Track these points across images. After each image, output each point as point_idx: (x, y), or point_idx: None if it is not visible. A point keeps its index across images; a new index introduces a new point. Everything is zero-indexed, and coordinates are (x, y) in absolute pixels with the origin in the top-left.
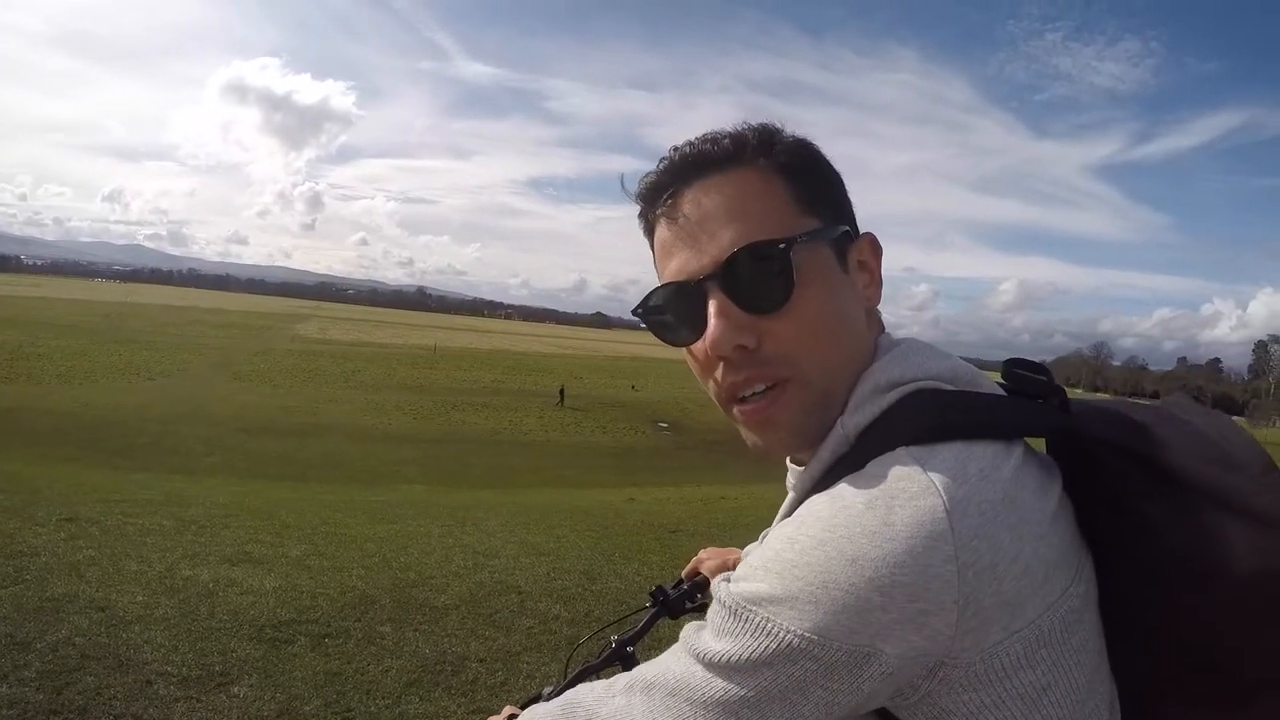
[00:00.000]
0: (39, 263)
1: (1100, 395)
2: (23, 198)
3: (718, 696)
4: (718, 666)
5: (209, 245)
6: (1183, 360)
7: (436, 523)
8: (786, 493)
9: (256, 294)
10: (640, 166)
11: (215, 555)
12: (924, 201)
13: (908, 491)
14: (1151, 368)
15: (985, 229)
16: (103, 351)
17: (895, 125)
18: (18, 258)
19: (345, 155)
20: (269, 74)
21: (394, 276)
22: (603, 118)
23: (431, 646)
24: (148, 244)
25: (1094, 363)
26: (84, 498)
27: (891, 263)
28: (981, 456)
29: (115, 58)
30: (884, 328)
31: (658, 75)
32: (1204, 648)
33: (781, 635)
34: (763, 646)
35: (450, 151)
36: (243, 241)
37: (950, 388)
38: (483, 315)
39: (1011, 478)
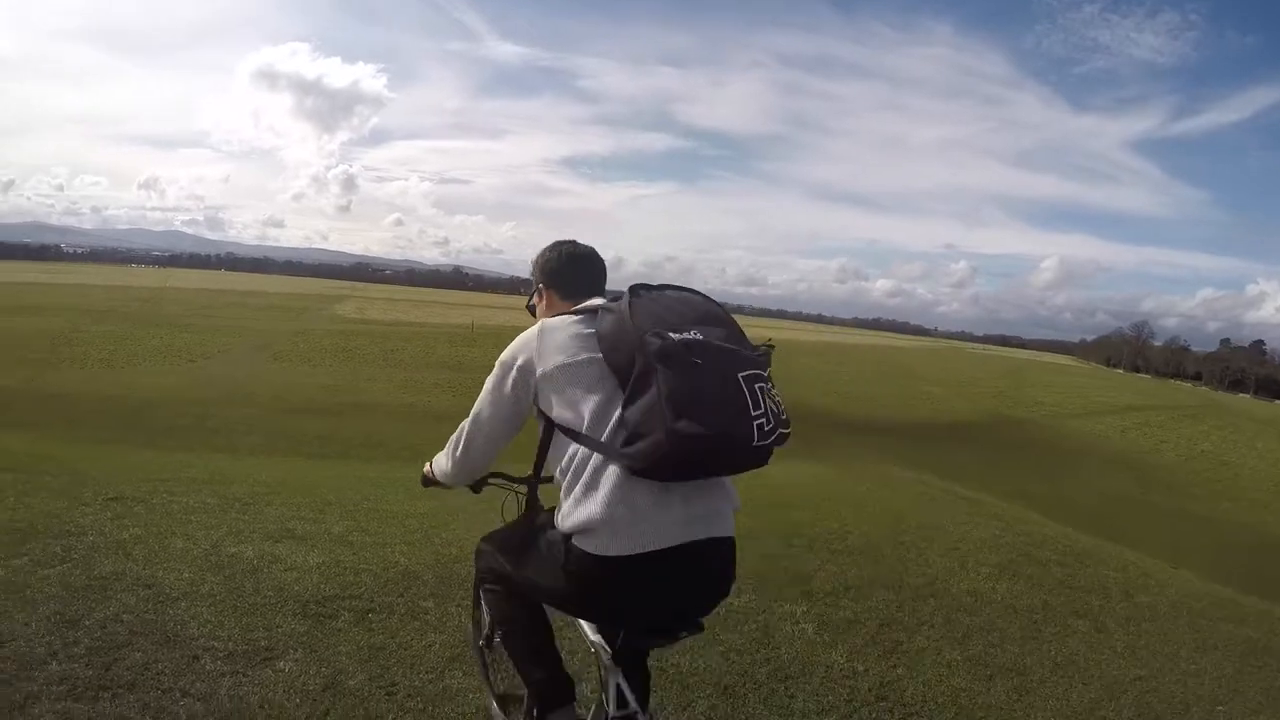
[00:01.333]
0: (78, 251)
1: (1141, 376)
2: (60, 188)
3: (489, 388)
4: (490, 380)
5: (246, 229)
6: (1225, 342)
7: (477, 500)
8: (816, 470)
9: (294, 275)
10: (674, 144)
11: (259, 532)
12: (961, 177)
13: (533, 326)
14: (1194, 349)
15: (1024, 205)
16: (144, 335)
17: (930, 99)
18: (58, 246)
19: (378, 138)
20: (299, 59)
21: (430, 256)
22: (635, 95)
23: None
24: (185, 229)
25: (1135, 342)
26: (129, 477)
27: (929, 239)
28: (562, 319)
29: (144, 49)
30: (598, 295)
31: (688, 51)
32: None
33: (500, 364)
34: (497, 369)
35: (483, 132)
36: (279, 225)
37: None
38: (519, 293)
39: (568, 326)
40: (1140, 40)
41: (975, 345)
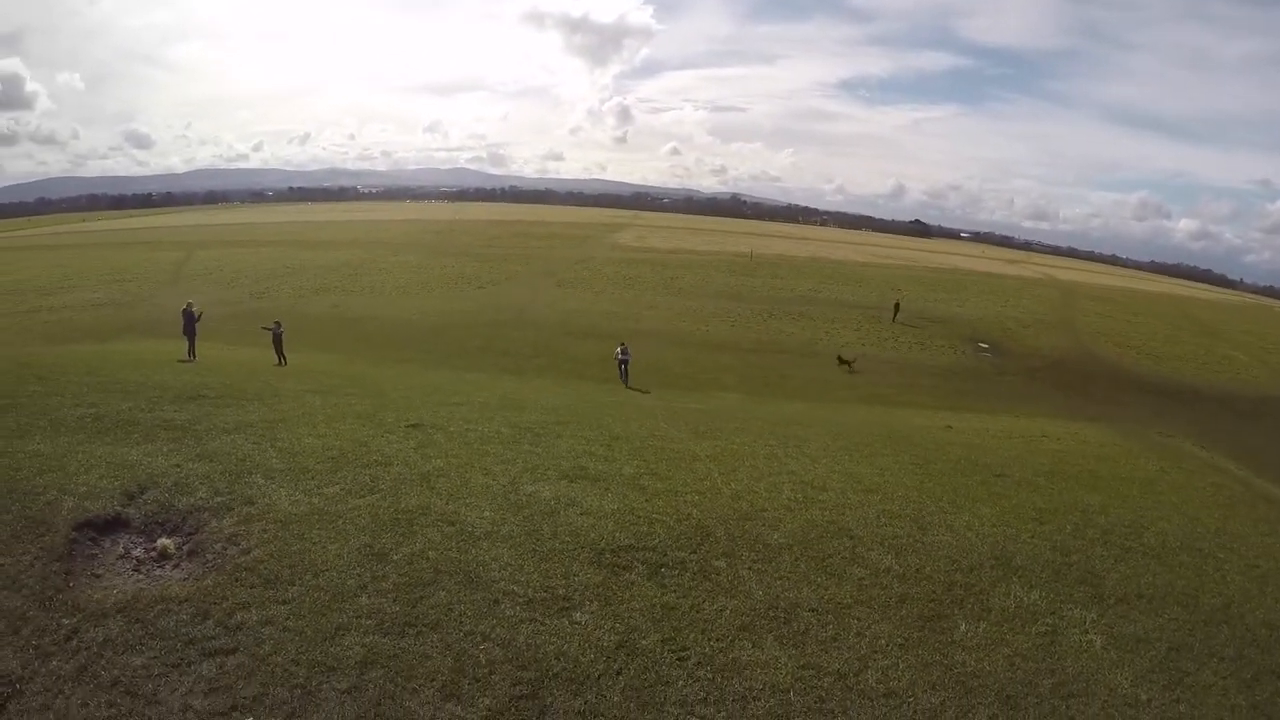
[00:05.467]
0: (373, 191)
1: None
2: (351, 137)
3: None
4: None
5: (527, 164)
6: None
7: (760, 440)
8: (1102, 436)
9: (575, 206)
10: (956, 63)
11: (554, 469)
12: (1275, 98)
13: None
14: None
15: None
16: (435, 264)
17: (1237, 5)
18: (354, 188)
19: (649, 69)
20: None
21: (708, 184)
22: (910, 10)
23: (764, 588)
24: (470, 166)
25: None
26: (426, 400)
27: (1240, 174)
28: None
29: (415, 6)
30: None
31: None
32: None
33: None
34: None
35: (755, 57)
36: (558, 158)
37: None
38: (798, 222)
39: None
40: None
41: None
